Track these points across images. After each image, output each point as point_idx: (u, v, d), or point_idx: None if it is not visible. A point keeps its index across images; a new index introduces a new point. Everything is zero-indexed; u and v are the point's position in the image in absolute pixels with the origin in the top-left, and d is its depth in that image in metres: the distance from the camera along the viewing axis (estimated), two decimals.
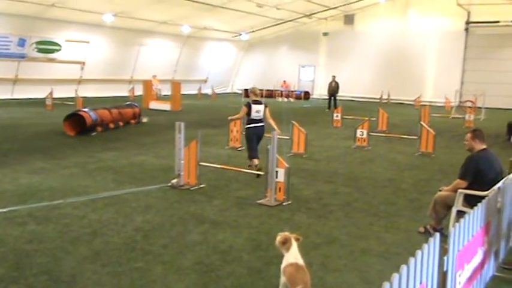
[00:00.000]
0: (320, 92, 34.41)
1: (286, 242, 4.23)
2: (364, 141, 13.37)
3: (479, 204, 4.29)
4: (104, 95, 28.17)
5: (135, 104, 18.32)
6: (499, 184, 5.32)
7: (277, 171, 7.43)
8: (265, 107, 9.81)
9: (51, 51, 26.76)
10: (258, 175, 8.91)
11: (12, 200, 7.31)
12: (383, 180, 9.44)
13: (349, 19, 34.31)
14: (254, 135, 9.71)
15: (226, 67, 38.83)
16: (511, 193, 5.38)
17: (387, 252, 5.63)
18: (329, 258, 5.37)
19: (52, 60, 26.90)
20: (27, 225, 6.18)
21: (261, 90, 33.75)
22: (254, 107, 9.61)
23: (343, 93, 28.36)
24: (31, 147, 12.02)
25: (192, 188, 8.25)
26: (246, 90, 35.02)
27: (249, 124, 9.71)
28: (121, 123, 16.23)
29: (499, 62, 29.43)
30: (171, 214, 6.84)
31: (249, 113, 9.62)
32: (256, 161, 9.65)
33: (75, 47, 27.63)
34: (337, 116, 18.22)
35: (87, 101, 21.65)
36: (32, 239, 5.70)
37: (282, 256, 4.28)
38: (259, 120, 9.73)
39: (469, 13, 30.02)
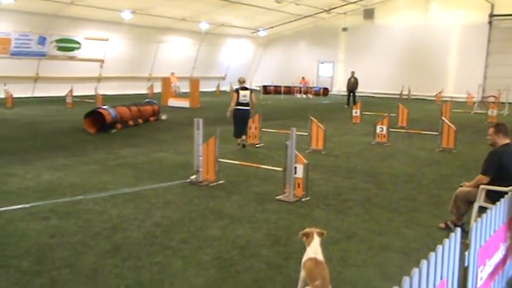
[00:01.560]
0: (339, 88, 34.27)
1: (308, 236, 4.26)
2: (384, 137, 13.27)
3: (501, 200, 4.24)
4: (123, 93, 28.48)
5: (154, 102, 18.49)
6: None
7: (296, 167, 7.44)
8: (251, 92, 12.03)
9: (71, 49, 27.17)
10: (244, 146, 11.98)
11: (34, 195, 7.47)
12: (403, 176, 9.38)
13: (368, 14, 34.00)
14: (240, 116, 11.90)
15: (244, 64, 38.87)
16: None
17: (407, 247, 5.60)
18: (348, 254, 5.38)
19: (72, 58, 27.31)
20: (49, 220, 6.31)
21: (280, 86, 34.01)
22: (241, 93, 11.86)
23: (362, 89, 28.13)
24: (52, 144, 12.24)
25: (210, 184, 8.32)
26: (264, 86, 35.10)
27: (237, 106, 11.83)
28: (140, 121, 16.39)
29: None
30: (190, 210, 6.91)
31: (237, 97, 11.79)
32: (243, 137, 12.09)
33: (94, 44, 28.01)
34: (356, 112, 18.10)
35: (107, 98, 21.92)
36: (54, 233, 5.82)
37: (301, 251, 4.31)
38: (246, 104, 11.90)
39: (492, 6, 29.48)
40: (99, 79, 28.95)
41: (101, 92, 23.82)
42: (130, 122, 15.75)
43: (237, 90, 11.94)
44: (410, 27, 32.34)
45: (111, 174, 9.07)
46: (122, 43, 29.45)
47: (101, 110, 14.63)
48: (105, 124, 14.27)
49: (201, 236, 5.86)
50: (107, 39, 28.54)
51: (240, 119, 11.95)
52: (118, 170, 9.45)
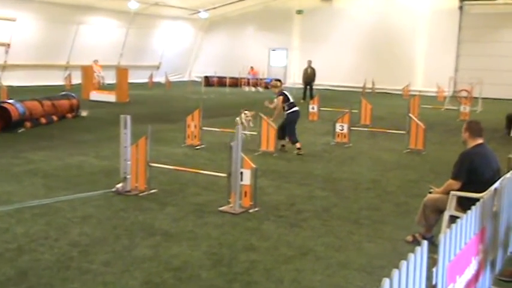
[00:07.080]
0: (294, 80, 34.54)
1: None
2: (345, 137, 13.51)
3: (472, 208, 4.37)
4: (34, 84, 27.64)
5: (72, 95, 18.09)
6: (496, 185, 5.43)
7: (242, 173, 7.43)
8: None
9: None
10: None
11: None
12: (366, 182, 9.58)
13: None
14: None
15: (182, 51, 38.66)
16: (509, 195, 5.51)
17: (369, 265, 5.71)
18: (302, 273, 5.42)
19: None
20: None
21: (224, 78, 33.83)
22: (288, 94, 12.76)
23: (320, 82, 28.53)
24: None
25: (140, 194, 8.20)
26: (206, 77, 35.02)
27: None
28: (55, 118, 16.04)
29: (498, 45, 30.15)
30: (114, 225, 6.78)
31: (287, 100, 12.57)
32: (298, 144, 12.38)
33: None
34: (313, 108, 18.37)
35: (14, 90, 21.22)
36: None
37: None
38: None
39: None
40: (3, 67, 28.02)
41: (6, 82, 23.01)
42: (43, 120, 15.38)
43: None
44: (374, 12, 33.12)
45: (16, 183, 8.77)
46: (33, 24, 28.55)
47: (6, 105, 14.18)
48: (11, 122, 13.86)
49: (128, 256, 5.75)
50: (14, 19, 27.57)
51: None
52: (26, 178, 9.15)
